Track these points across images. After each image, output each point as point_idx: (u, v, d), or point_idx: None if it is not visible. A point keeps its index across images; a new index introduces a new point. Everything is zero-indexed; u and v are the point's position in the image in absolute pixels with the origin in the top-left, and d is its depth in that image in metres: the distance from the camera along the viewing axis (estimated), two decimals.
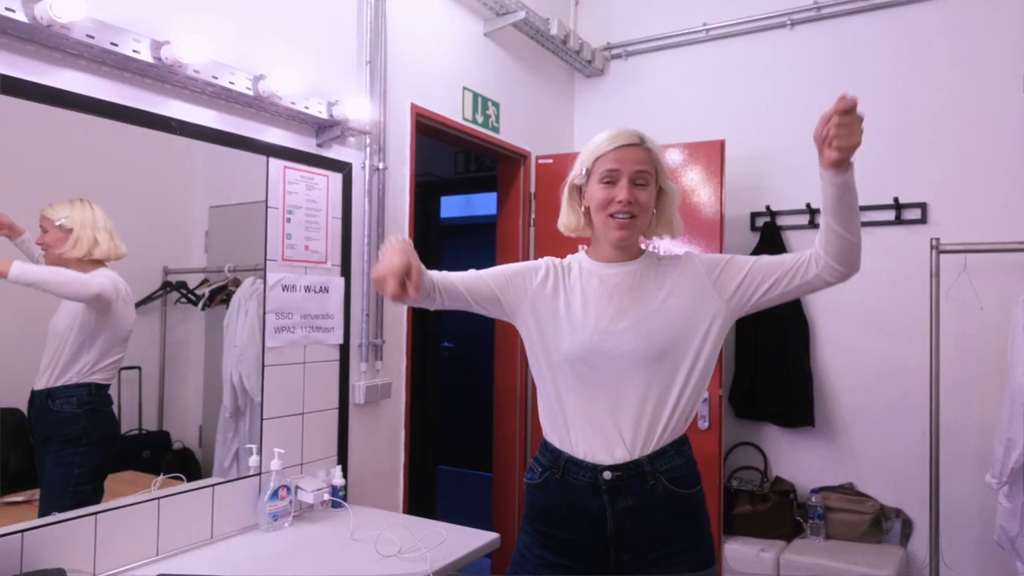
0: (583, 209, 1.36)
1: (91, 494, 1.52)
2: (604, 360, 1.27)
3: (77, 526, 1.45)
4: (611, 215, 1.29)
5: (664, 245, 2.82)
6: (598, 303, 1.31)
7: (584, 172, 1.34)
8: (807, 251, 1.26)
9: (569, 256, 1.43)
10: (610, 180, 1.29)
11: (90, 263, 1.51)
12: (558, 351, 1.30)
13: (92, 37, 1.40)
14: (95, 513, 1.48)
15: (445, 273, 1.34)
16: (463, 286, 1.34)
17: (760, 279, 1.29)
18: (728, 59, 3.09)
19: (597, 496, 1.26)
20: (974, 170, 2.63)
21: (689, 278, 1.32)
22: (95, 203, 1.51)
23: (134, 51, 1.48)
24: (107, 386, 1.55)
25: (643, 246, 1.39)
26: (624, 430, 1.27)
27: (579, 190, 1.37)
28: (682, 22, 3.15)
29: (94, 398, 1.52)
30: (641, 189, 1.29)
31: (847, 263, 1.20)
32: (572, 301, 1.33)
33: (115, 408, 1.57)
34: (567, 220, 1.40)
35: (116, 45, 1.44)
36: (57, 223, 1.46)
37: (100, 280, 1.50)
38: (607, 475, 1.25)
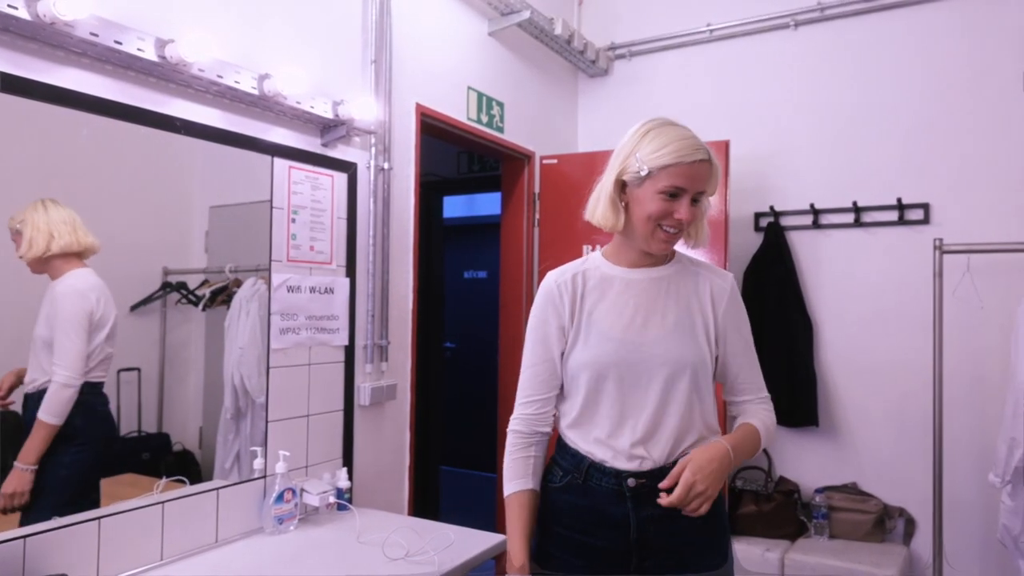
0: (623, 207, 1.28)
1: (80, 496, 1.47)
2: (632, 371, 1.25)
3: (80, 531, 1.43)
4: (660, 226, 1.24)
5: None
6: (622, 311, 1.28)
7: (642, 174, 1.23)
8: (745, 404, 1.34)
9: (581, 261, 1.37)
10: (673, 194, 1.22)
11: (61, 260, 1.44)
12: (584, 361, 1.28)
13: (96, 35, 1.38)
14: (98, 518, 1.46)
15: (539, 412, 1.35)
16: (555, 388, 1.34)
17: (723, 370, 1.33)
18: (732, 59, 3.08)
19: (621, 502, 1.25)
20: (977, 170, 2.63)
21: (717, 306, 1.31)
22: (54, 201, 1.44)
23: (138, 49, 1.46)
24: (100, 384, 1.51)
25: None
26: (648, 438, 1.25)
27: (623, 186, 1.28)
28: (686, 22, 3.15)
29: (86, 397, 1.48)
30: (698, 206, 1.25)
31: None
32: (595, 310, 1.30)
33: (113, 408, 1.54)
34: (606, 217, 1.29)
35: (120, 43, 1.42)
36: (13, 227, 1.39)
37: (67, 373, 1.45)
38: (631, 482, 1.24)
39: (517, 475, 1.32)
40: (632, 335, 1.26)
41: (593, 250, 2.89)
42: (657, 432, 1.25)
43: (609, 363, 1.26)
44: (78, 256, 1.47)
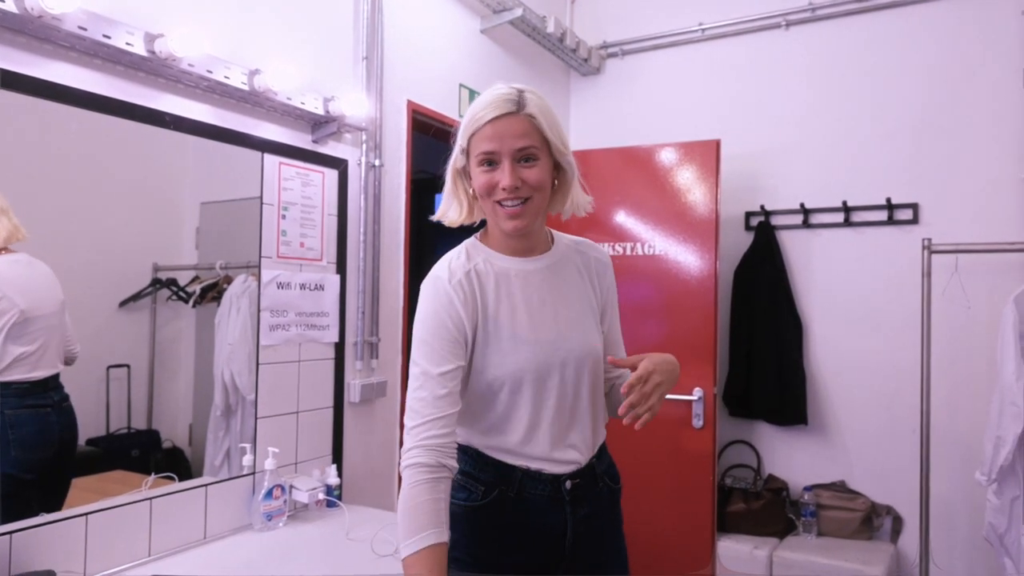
0: (471, 194, 1.16)
1: (19, 503, 1.35)
2: (549, 372, 1.15)
3: (67, 527, 1.42)
4: (498, 202, 1.10)
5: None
6: (529, 310, 1.15)
7: (463, 152, 1.13)
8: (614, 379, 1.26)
9: (464, 256, 1.17)
10: (490, 162, 1.09)
11: None
12: (503, 372, 1.13)
13: (84, 29, 1.37)
14: (86, 514, 1.46)
15: (442, 425, 1.08)
16: (457, 406, 1.11)
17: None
18: (723, 59, 3.10)
19: (559, 508, 1.16)
20: (965, 171, 2.65)
21: (602, 283, 1.26)
22: None
23: (127, 44, 1.45)
24: (17, 385, 1.38)
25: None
26: (575, 436, 1.18)
27: (464, 173, 1.16)
28: (678, 22, 3.15)
29: None
30: (529, 167, 1.09)
31: None
32: (500, 311, 1.14)
33: (101, 405, 1.52)
34: (451, 212, 1.18)
35: (109, 37, 1.42)
36: None
37: None
38: (569, 484, 1.16)
39: (430, 523, 1.00)
40: (545, 335, 1.15)
41: None
42: (583, 428, 1.19)
43: (528, 369, 1.13)
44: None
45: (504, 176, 1.07)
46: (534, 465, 1.15)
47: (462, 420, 1.16)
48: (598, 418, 1.23)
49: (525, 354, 1.13)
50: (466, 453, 1.19)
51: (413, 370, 1.11)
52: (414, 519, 1.01)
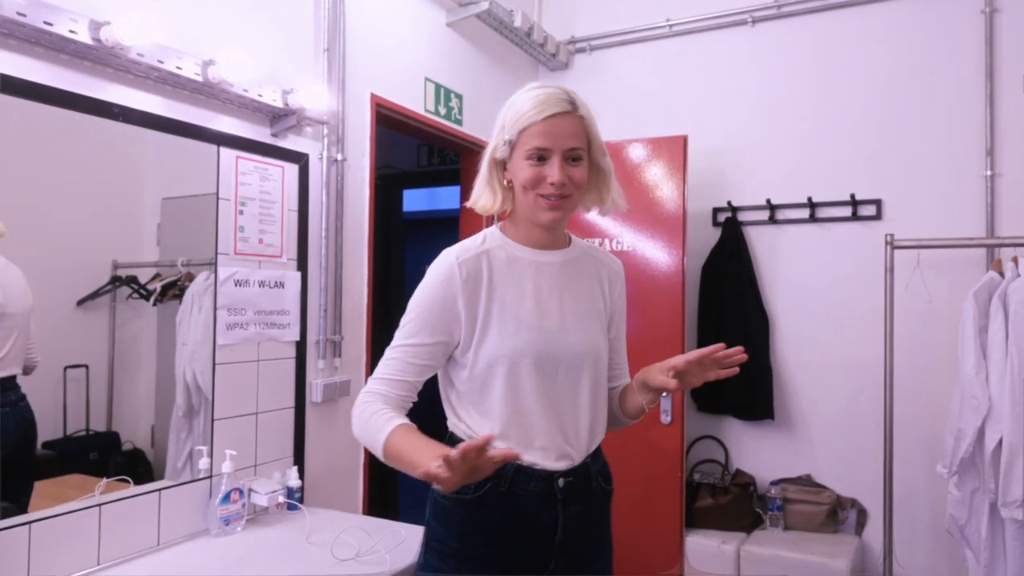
0: (506, 184, 1.19)
1: None
2: (550, 363, 1.17)
3: (7, 536, 1.36)
4: (541, 195, 1.14)
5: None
6: (537, 298, 1.18)
7: (507, 144, 1.15)
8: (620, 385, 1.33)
9: (480, 239, 1.22)
10: (540, 157, 1.12)
11: None
12: (502, 352, 1.15)
13: (24, 15, 1.31)
14: (29, 522, 1.40)
15: (393, 393, 1.16)
16: (425, 376, 1.19)
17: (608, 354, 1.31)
18: (691, 55, 3.10)
19: (550, 506, 1.17)
20: (927, 167, 2.69)
21: (612, 291, 1.30)
22: None
23: (71, 32, 1.39)
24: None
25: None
26: (571, 433, 1.19)
27: (501, 164, 1.19)
28: (646, 17, 3.15)
29: None
30: (575, 166, 1.14)
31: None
32: (506, 297, 1.17)
33: (59, 406, 1.47)
34: (483, 199, 1.20)
35: (51, 25, 1.36)
36: None
37: None
38: (561, 482, 1.17)
39: (387, 418, 1.11)
40: (549, 323, 1.17)
41: None
42: (578, 425, 1.20)
43: (527, 353, 1.15)
44: None
45: (554, 172, 1.12)
46: (527, 459, 1.16)
47: (462, 408, 1.20)
48: (596, 418, 1.24)
49: (526, 338, 1.15)
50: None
51: (398, 331, 1.19)
52: (372, 424, 1.11)
